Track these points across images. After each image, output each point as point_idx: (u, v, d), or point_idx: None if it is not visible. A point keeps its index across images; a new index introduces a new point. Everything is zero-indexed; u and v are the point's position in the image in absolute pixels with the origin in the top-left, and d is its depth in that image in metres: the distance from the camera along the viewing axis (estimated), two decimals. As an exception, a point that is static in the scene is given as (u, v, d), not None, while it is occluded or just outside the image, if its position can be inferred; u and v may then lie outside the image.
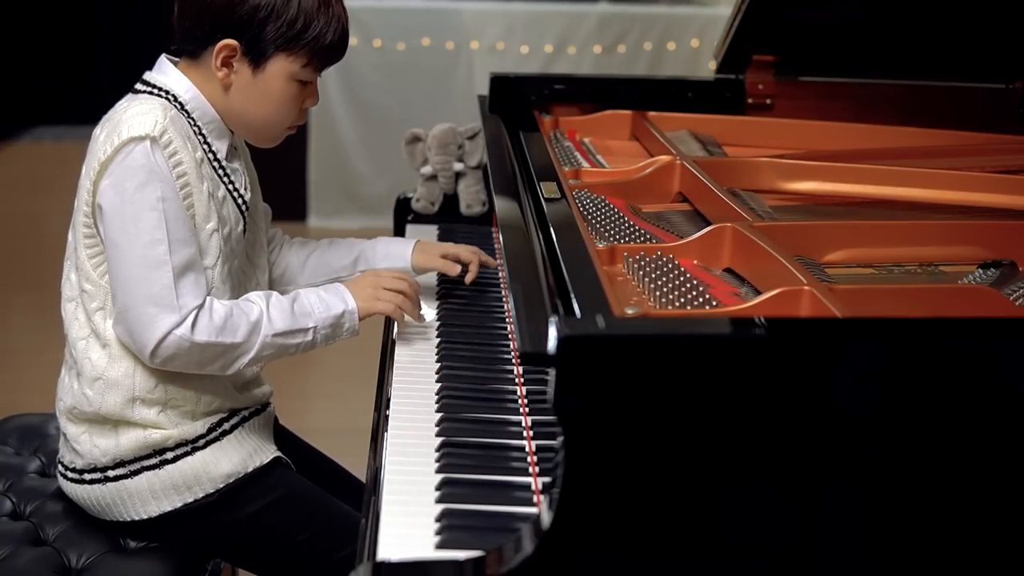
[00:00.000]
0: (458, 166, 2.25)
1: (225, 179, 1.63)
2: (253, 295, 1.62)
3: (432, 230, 2.23)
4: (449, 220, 2.26)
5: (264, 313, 1.58)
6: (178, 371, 1.58)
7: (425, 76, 4.92)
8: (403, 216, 2.29)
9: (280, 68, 1.59)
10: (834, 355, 1.09)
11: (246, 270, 1.72)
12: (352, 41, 5.59)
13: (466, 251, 1.87)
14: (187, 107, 1.59)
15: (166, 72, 1.61)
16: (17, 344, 3.78)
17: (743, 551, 1.11)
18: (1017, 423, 1.09)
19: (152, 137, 1.51)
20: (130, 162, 1.51)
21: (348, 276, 1.87)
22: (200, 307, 1.53)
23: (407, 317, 1.72)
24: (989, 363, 1.09)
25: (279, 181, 4.95)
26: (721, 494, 1.10)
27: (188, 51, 1.61)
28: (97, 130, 1.58)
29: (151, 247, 1.51)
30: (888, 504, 1.11)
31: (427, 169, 2.25)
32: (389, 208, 2.32)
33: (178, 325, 1.51)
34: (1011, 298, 1.41)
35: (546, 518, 1.09)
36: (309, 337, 1.61)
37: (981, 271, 1.53)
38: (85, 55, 6.50)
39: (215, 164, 1.61)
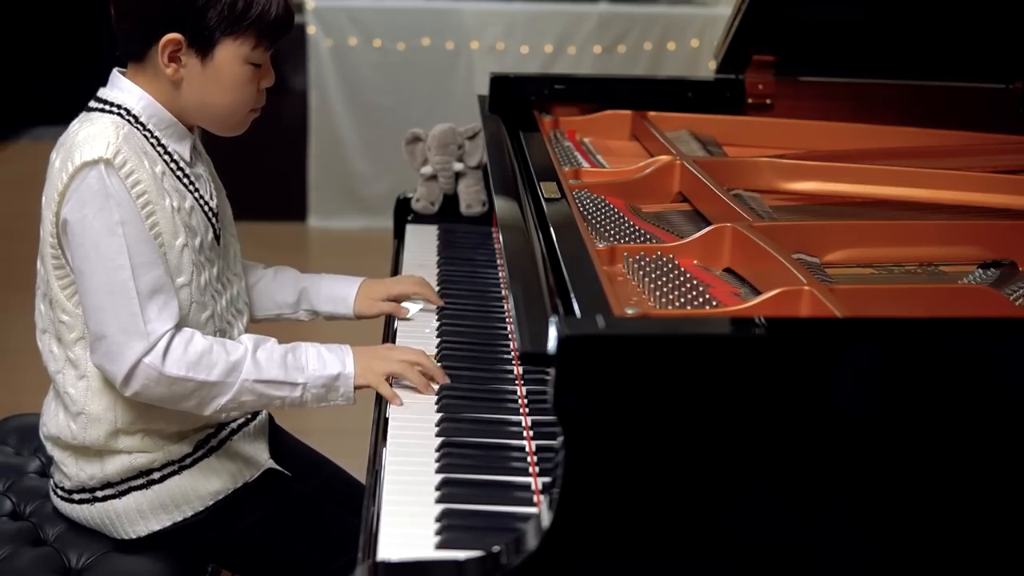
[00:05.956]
0: (458, 166, 2.25)
1: (191, 187, 1.58)
2: (244, 337, 1.56)
3: (432, 230, 2.23)
4: (449, 220, 2.26)
5: (248, 355, 1.52)
6: (155, 404, 1.53)
7: (425, 76, 4.92)
8: (403, 216, 2.28)
9: (229, 53, 1.52)
10: (834, 355, 1.08)
11: (227, 279, 1.67)
12: (352, 41, 5.57)
13: (411, 285, 1.81)
14: (141, 118, 1.53)
15: (118, 85, 1.55)
16: (17, 344, 3.77)
17: (743, 551, 1.12)
18: (1017, 423, 1.10)
19: (106, 160, 1.45)
20: (85, 188, 1.45)
21: (291, 314, 1.82)
22: (174, 333, 1.49)
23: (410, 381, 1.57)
24: (989, 363, 1.09)
25: (279, 181, 4.98)
26: (721, 494, 1.10)
27: (133, 55, 1.55)
28: (53, 155, 1.53)
29: (114, 273, 1.46)
30: (888, 504, 1.11)
31: (427, 169, 2.25)
32: (389, 208, 2.32)
33: (148, 352, 1.46)
34: (1011, 298, 1.41)
35: (546, 518, 1.09)
36: (297, 393, 1.54)
37: (981, 271, 1.53)
38: (85, 55, 6.49)
39: (179, 174, 1.56)
